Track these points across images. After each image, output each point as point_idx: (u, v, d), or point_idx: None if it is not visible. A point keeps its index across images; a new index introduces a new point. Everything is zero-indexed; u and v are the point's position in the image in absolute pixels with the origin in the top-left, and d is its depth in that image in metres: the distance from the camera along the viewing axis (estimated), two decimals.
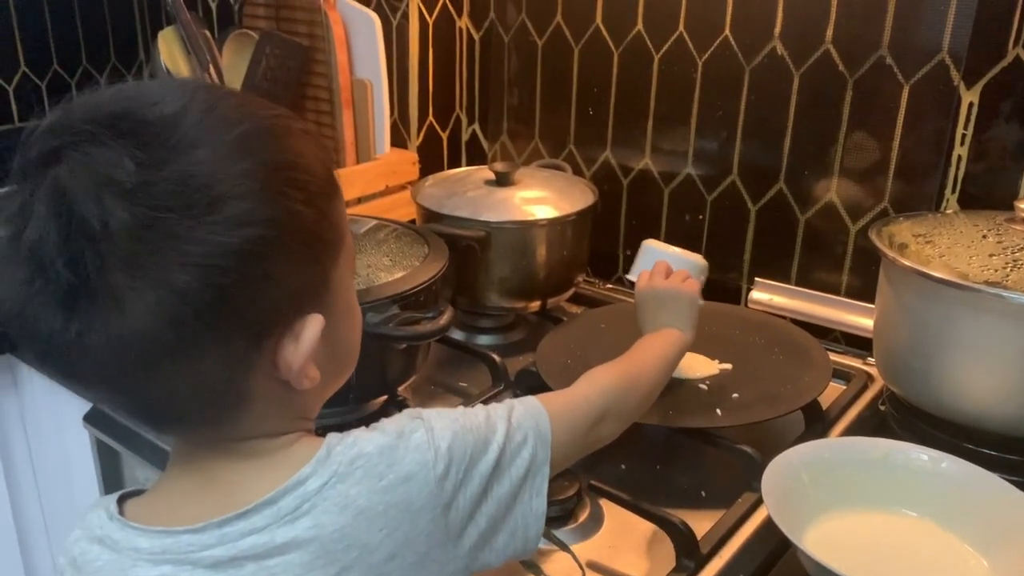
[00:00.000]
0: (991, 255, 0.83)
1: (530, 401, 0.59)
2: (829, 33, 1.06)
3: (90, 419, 1.09)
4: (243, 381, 0.48)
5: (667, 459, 0.91)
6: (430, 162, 1.43)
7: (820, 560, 0.64)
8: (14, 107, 1.68)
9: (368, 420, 0.53)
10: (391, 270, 0.93)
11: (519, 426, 0.56)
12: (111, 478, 1.12)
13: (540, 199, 1.13)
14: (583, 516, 0.81)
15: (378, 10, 1.35)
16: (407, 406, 0.88)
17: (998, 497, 0.73)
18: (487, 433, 0.54)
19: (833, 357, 1.00)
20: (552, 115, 1.35)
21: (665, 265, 0.88)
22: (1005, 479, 0.74)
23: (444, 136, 1.45)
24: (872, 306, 0.98)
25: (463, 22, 1.40)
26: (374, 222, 1.05)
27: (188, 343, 0.44)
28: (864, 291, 1.10)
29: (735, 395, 0.91)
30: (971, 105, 0.98)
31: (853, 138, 1.08)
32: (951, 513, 0.75)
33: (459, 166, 1.42)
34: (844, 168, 1.09)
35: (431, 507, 0.50)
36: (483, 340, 1.17)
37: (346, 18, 1.33)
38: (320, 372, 0.50)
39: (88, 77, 1.78)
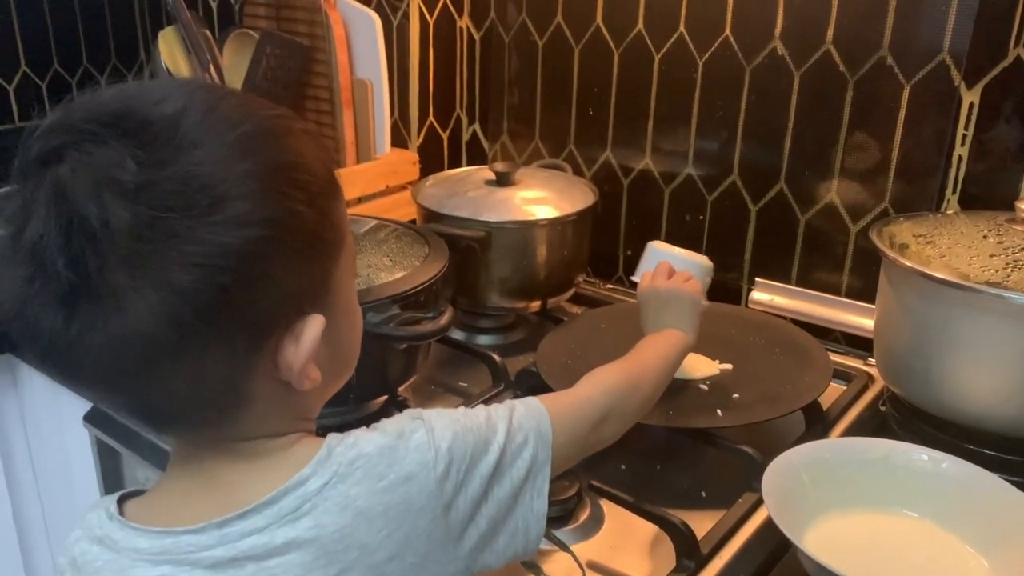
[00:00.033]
0: (992, 255, 0.83)
1: (531, 402, 0.59)
2: (830, 33, 1.06)
3: (90, 419, 1.09)
4: (244, 381, 0.48)
5: (667, 459, 0.91)
6: (430, 162, 1.43)
7: (820, 561, 0.64)
8: (14, 107, 1.68)
9: (368, 420, 0.53)
10: (391, 270, 0.93)
11: (520, 427, 0.56)
12: (111, 478, 1.12)
13: (540, 199, 1.13)
14: (583, 516, 0.81)
15: (379, 10, 1.35)
16: (407, 406, 0.89)
17: (999, 498, 0.73)
18: (488, 434, 0.54)
19: (834, 357, 1.00)
20: (552, 115, 1.35)
21: (668, 266, 0.88)
22: (1006, 480, 0.74)
23: (444, 136, 1.45)
24: (872, 306, 0.98)
25: (464, 22, 1.40)
26: (374, 222, 1.05)
27: (189, 343, 0.44)
28: (865, 291, 1.10)
29: (735, 395, 0.91)
30: (972, 105, 0.98)
31: (854, 138, 1.08)
32: (952, 514, 0.74)
33: (459, 166, 1.42)
34: (845, 168, 1.09)
35: (431, 508, 0.50)
36: (483, 340, 1.17)
37: (347, 18, 1.33)
38: (321, 372, 0.50)
39: (89, 77, 1.78)
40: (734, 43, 1.14)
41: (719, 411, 0.88)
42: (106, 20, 1.78)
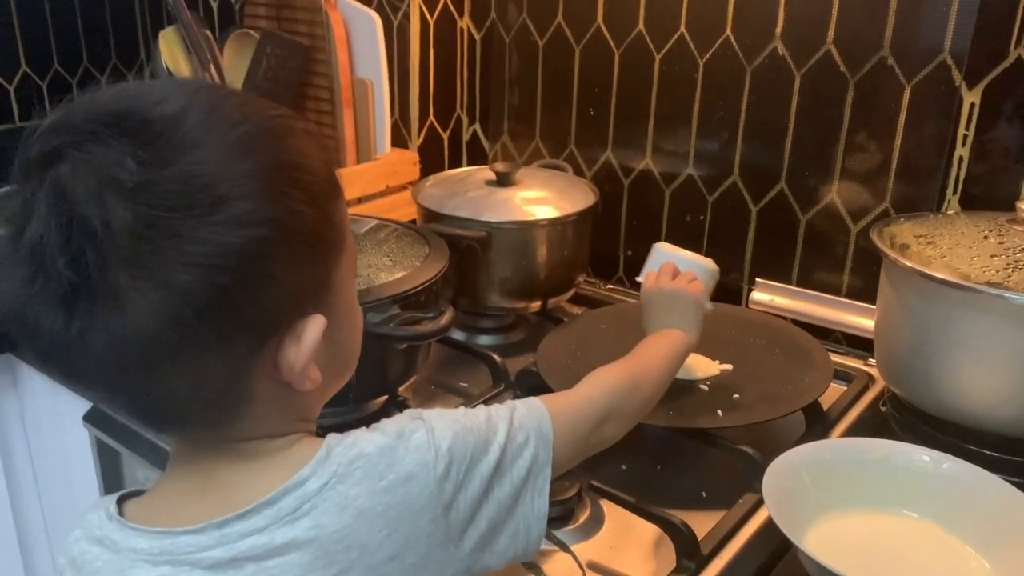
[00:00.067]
0: (992, 256, 0.83)
1: (532, 402, 0.59)
2: (830, 33, 1.06)
3: (90, 419, 1.09)
4: (244, 382, 0.48)
5: (668, 459, 0.91)
6: (431, 162, 1.43)
7: (821, 561, 0.64)
8: (15, 107, 1.68)
9: (368, 420, 0.53)
10: (392, 270, 0.93)
11: (521, 427, 0.56)
12: (111, 478, 1.12)
13: (541, 199, 1.13)
14: (583, 516, 0.81)
15: (379, 10, 1.34)
16: (408, 406, 0.89)
17: (1000, 498, 0.73)
18: (488, 434, 0.54)
19: (834, 358, 1.00)
20: (553, 115, 1.35)
21: (672, 266, 0.88)
22: (1006, 480, 0.74)
23: (445, 136, 1.45)
24: (873, 307, 0.98)
25: (464, 22, 1.40)
26: (375, 222, 1.04)
27: (189, 343, 0.44)
28: (865, 292, 1.10)
29: (736, 396, 0.91)
30: (973, 106, 0.98)
31: (854, 139, 1.08)
32: (952, 514, 0.74)
33: (460, 166, 1.42)
34: (845, 169, 1.09)
35: (431, 508, 0.50)
36: (484, 340, 1.17)
37: (347, 18, 1.33)
38: (321, 373, 0.50)
39: (89, 77, 1.78)
40: (735, 43, 1.14)
41: (720, 411, 0.88)
42: (106, 20, 1.78)
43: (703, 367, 0.95)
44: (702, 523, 0.77)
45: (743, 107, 1.15)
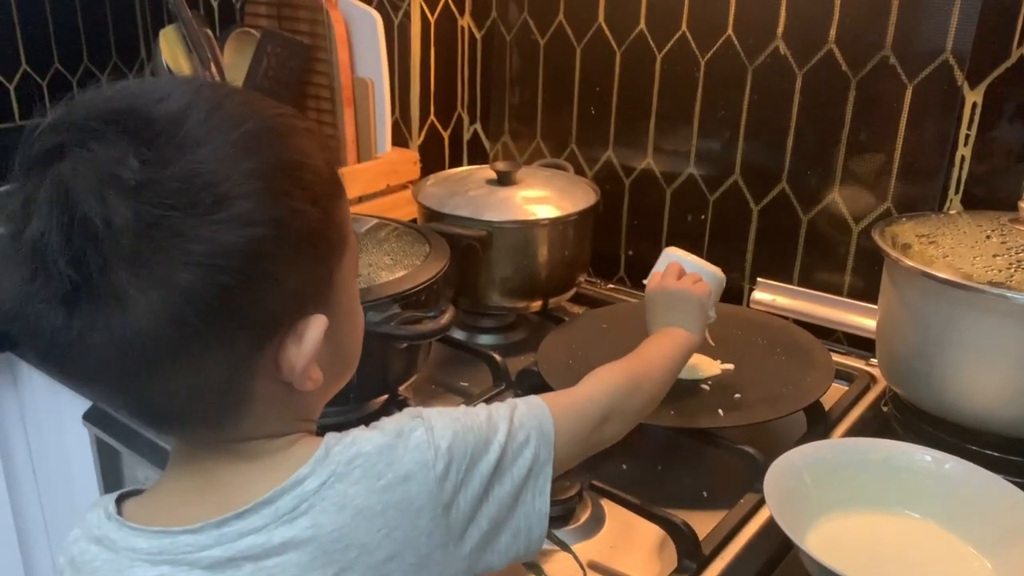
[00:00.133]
0: (995, 255, 0.83)
1: (533, 400, 0.59)
2: (832, 33, 1.06)
3: (90, 418, 1.09)
4: (245, 382, 0.48)
5: (669, 459, 0.91)
6: (431, 161, 1.43)
7: (822, 561, 0.64)
8: (15, 106, 1.68)
9: (369, 419, 0.53)
10: (392, 269, 0.92)
11: (521, 426, 0.56)
12: (111, 477, 1.12)
13: (542, 199, 1.13)
14: (584, 516, 0.81)
15: (380, 9, 1.34)
16: (408, 405, 0.88)
17: (1002, 499, 0.72)
18: (488, 433, 0.54)
19: (836, 358, 0.99)
20: (554, 114, 1.35)
21: (678, 267, 0.88)
22: (1008, 481, 0.74)
23: (446, 135, 1.45)
24: (875, 307, 0.98)
25: (465, 21, 1.39)
26: (375, 221, 1.04)
27: (190, 343, 0.44)
28: (867, 292, 1.10)
29: (737, 395, 0.91)
30: (975, 105, 0.98)
31: (856, 138, 1.08)
32: (954, 515, 0.74)
33: (460, 165, 1.42)
34: (847, 168, 1.09)
35: (431, 507, 0.50)
36: (484, 340, 1.17)
37: (348, 16, 1.33)
38: (322, 373, 0.50)
39: (89, 76, 1.78)
40: (736, 42, 1.13)
41: (721, 411, 0.88)
42: (107, 19, 1.78)
43: (705, 367, 0.95)
44: (703, 523, 0.77)
45: (744, 106, 1.15)
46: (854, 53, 1.05)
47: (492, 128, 1.44)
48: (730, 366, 0.96)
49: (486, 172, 1.18)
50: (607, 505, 0.82)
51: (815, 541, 0.72)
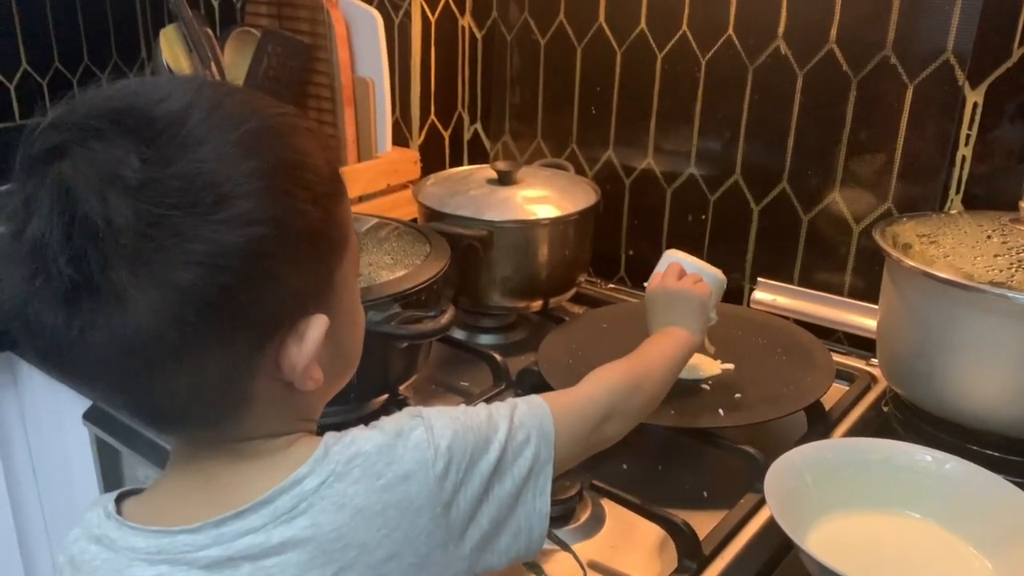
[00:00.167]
0: (996, 255, 0.83)
1: (534, 400, 0.59)
2: (833, 33, 1.05)
3: (90, 417, 1.09)
4: (245, 382, 0.47)
5: (669, 459, 0.91)
6: (432, 161, 1.43)
7: (823, 561, 0.64)
8: (15, 105, 1.68)
9: (369, 419, 0.53)
10: (392, 268, 0.92)
11: (522, 425, 0.55)
12: (111, 476, 1.12)
13: (542, 198, 1.13)
14: (584, 516, 0.81)
15: (380, 8, 1.34)
16: (408, 405, 0.88)
17: (1002, 499, 0.72)
18: (488, 432, 0.53)
19: (836, 358, 0.99)
20: (554, 114, 1.35)
21: (679, 267, 0.88)
22: (1009, 481, 0.74)
23: (446, 135, 1.45)
24: (875, 307, 0.98)
25: (465, 20, 1.39)
26: (375, 220, 1.04)
27: (191, 342, 0.44)
28: (867, 292, 1.10)
29: (738, 395, 0.91)
30: (976, 105, 0.98)
31: (857, 138, 1.08)
32: (955, 515, 0.74)
33: (461, 165, 1.42)
34: (848, 168, 1.09)
35: (431, 506, 0.49)
36: (485, 339, 1.17)
37: (348, 16, 1.33)
38: (323, 373, 0.50)
39: (90, 75, 1.77)
40: (737, 42, 1.13)
41: (721, 411, 0.88)
42: (107, 18, 1.78)
43: (705, 367, 0.95)
44: (704, 523, 0.77)
45: (745, 106, 1.15)
46: (855, 53, 1.05)
47: (493, 128, 1.44)
48: (730, 366, 0.96)
49: (486, 172, 1.18)
50: (607, 505, 0.82)
51: (816, 541, 0.72)
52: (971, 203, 1.01)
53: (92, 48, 1.77)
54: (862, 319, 1.09)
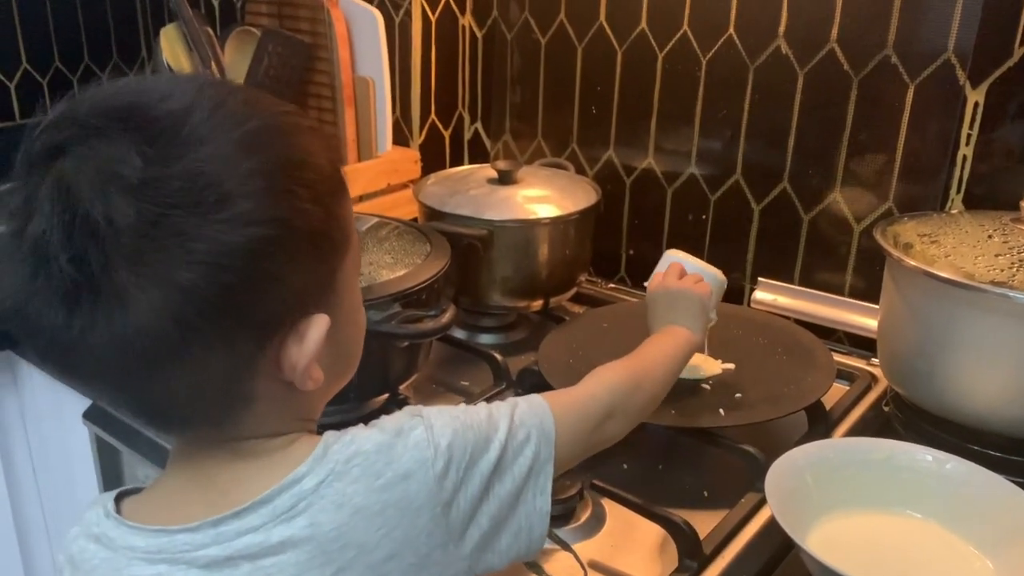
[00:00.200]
0: (997, 255, 0.83)
1: (534, 399, 0.58)
2: (834, 32, 1.05)
3: (90, 416, 1.09)
4: (246, 381, 0.47)
5: (670, 459, 0.91)
6: (432, 160, 1.42)
7: (824, 561, 0.64)
8: (16, 104, 1.68)
9: (369, 418, 0.53)
10: (393, 268, 0.92)
11: (522, 424, 0.55)
12: (111, 475, 1.12)
13: (543, 198, 1.13)
14: (585, 515, 0.81)
15: (381, 7, 1.34)
16: (408, 404, 0.88)
17: (1003, 499, 0.72)
18: (488, 431, 0.53)
19: (837, 357, 0.99)
20: (555, 114, 1.35)
21: (679, 267, 0.88)
22: (1010, 480, 0.74)
23: (446, 134, 1.45)
24: (876, 306, 0.98)
25: (466, 20, 1.39)
26: (376, 220, 1.04)
27: (192, 342, 0.44)
28: (868, 291, 1.10)
29: (738, 395, 0.91)
30: (977, 105, 0.98)
31: (858, 138, 1.08)
32: (956, 515, 0.74)
33: (461, 164, 1.42)
34: (848, 168, 1.09)
35: (431, 506, 0.49)
36: (485, 339, 1.17)
37: (349, 15, 1.33)
38: (324, 373, 0.50)
39: (90, 74, 1.77)
40: (738, 42, 1.13)
41: (722, 411, 0.88)
42: (108, 17, 1.77)
43: (706, 366, 0.95)
44: (704, 522, 0.77)
45: (746, 106, 1.15)
46: (856, 53, 1.05)
47: (493, 127, 1.44)
48: (731, 366, 0.96)
49: (487, 171, 1.18)
50: (608, 504, 0.82)
51: (816, 541, 0.72)
52: (972, 203, 1.01)
53: (92, 47, 1.77)
54: (863, 319, 1.09)
